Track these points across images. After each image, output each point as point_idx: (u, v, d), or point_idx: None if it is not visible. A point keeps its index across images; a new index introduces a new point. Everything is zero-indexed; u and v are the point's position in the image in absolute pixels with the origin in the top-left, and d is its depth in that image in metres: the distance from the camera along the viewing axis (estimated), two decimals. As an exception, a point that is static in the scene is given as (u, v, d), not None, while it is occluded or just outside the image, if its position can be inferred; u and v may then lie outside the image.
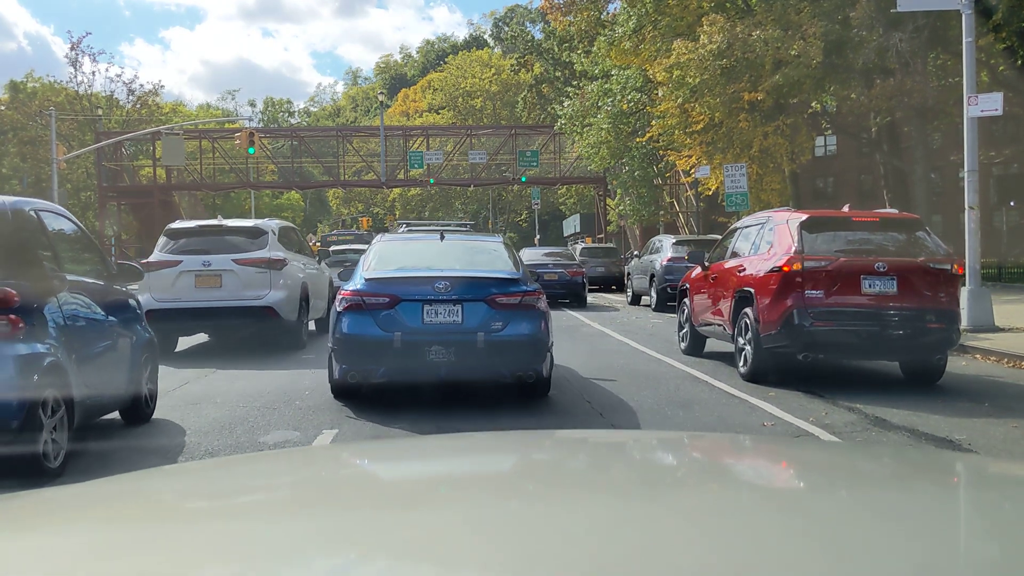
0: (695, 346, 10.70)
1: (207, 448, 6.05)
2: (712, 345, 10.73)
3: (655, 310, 19.03)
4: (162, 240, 11.35)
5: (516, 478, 1.76)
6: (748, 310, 8.62)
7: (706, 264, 10.29)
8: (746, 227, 9.78)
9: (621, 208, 29.92)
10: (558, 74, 48.07)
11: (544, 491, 1.56)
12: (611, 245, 32.98)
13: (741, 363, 8.84)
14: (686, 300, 10.84)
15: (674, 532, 1.23)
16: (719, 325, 9.59)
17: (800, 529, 1.25)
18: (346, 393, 7.46)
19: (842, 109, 26.17)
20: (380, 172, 42.47)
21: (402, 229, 9.56)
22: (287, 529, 1.29)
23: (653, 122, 26.61)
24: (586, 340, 13.12)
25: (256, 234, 11.36)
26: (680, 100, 23.36)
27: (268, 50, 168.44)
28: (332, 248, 24.16)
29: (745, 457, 2.02)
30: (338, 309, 7.24)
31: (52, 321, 5.28)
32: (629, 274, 22.33)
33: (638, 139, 27.47)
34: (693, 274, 10.82)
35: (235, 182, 44.43)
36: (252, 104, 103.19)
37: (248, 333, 11.84)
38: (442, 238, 8.25)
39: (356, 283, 7.29)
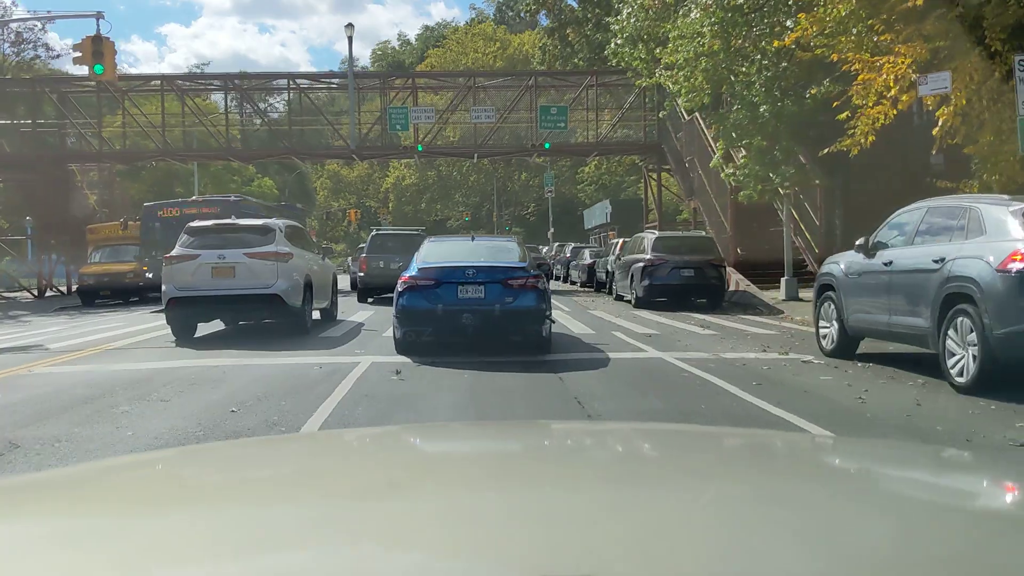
0: None
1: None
2: None
3: (967, 391, 7.07)
4: (183, 237, 13.28)
5: (515, 468, 1.64)
6: None
7: None
8: None
9: (729, 172, 17.48)
10: (589, 15, 36.17)
11: (544, 482, 1.47)
12: (705, 234, 20.63)
13: None
14: None
15: (673, 525, 1.16)
16: None
17: (801, 526, 1.17)
18: (405, 348, 10.28)
19: None
20: (350, 136, 30.46)
21: (373, 232, 16.48)
22: (273, 514, 1.26)
23: (802, 16, 14.59)
24: None
25: (265, 231, 13.34)
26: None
27: (265, 46, 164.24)
28: (360, 246, 27.56)
29: (752, 452, 1.87)
30: (399, 289, 10.30)
31: None
32: (831, 288, 10.13)
33: (776, 42, 15.28)
34: None
35: (153, 151, 32.16)
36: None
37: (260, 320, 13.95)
38: (472, 239, 11.81)
39: (412, 271, 10.37)
